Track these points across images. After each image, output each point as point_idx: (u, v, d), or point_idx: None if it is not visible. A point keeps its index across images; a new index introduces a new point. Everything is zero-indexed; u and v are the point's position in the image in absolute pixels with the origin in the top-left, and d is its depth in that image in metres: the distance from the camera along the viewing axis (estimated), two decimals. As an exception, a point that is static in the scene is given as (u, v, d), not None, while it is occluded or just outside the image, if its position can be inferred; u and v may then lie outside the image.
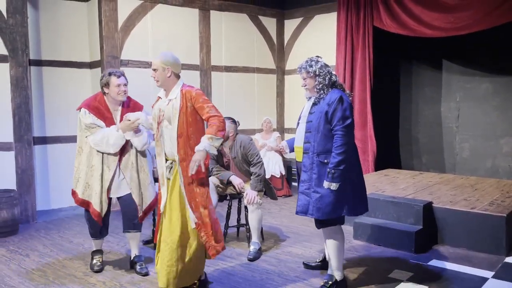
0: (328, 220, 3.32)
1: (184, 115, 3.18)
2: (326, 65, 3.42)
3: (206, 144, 3.08)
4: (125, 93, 3.72)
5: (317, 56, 3.47)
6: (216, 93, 7.01)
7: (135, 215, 3.78)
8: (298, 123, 3.55)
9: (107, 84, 3.69)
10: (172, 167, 3.27)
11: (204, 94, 3.30)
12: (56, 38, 6.04)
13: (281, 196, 6.71)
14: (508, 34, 6.09)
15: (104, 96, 3.76)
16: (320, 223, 3.39)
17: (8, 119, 5.26)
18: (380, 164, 6.78)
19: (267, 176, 5.98)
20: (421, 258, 4.11)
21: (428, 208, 4.49)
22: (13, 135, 5.28)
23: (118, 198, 3.82)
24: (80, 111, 3.72)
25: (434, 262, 4.01)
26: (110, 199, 3.78)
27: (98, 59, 6.08)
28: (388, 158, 7.12)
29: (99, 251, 3.98)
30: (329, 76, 3.36)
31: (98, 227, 3.81)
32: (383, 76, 7.04)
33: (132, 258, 3.91)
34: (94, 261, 3.93)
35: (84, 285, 3.60)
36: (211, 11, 6.90)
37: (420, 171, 6.92)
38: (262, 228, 4.49)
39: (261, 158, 4.41)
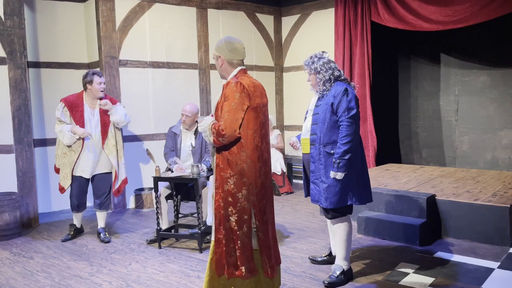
0: (337, 209, 3.37)
1: (219, 111, 2.81)
2: (330, 61, 3.44)
3: (208, 121, 2.80)
4: (104, 90, 4.69)
5: (322, 52, 3.49)
6: (215, 91, 7.00)
7: (102, 197, 4.76)
8: (306, 118, 3.56)
9: (90, 82, 4.59)
10: None
11: (239, 91, 2.75)
12: (54, 40, 6.01)
13: (283, 193, 6.72)
14: (505, 27, 6.12)
15: (84, 92, 4.68)
16: (329, 213, 3.44)
17: (8, 121, 5.22)
18: (380, 159, 6.80)
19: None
20: (426, 251, 4.12)
21: (431, 201, 4.51)
22: (13, 137, 5.24)
23: (92, 180, 4.75)
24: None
25: (439, 254, 4.02)
26: (87, 180, 4.73)
27: (96, 60, 6.06)
28: (388, 153, 7.13)
29: (73, 225, 4.89)
30: (330, 71, 3.39)
31: (75, 202, 4.75)
32: (382, 71, 7.06)
33: (98, 229, 4.82)
34: (67, 233, 4.90)
35: (90, 285, 3.58)
36: (209, 9, 6.90)
37: (420, 165, 6.94)
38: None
39: None
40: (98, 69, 4.72)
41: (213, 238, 2.90)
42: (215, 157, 2.89)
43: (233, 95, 2.75)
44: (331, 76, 3.38)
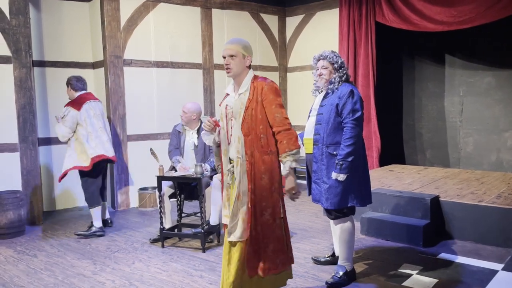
0: (340, 210, 3.37)
1: (253, 111, 2.81)
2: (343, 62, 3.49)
3: (290, 163, 2.84)
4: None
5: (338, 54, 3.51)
6: (219, 91, 7.01)
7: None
8: (309, 117, 3.56)
9: None
10: (233, 171, 2.88)
11: (277, 90, 2.87)
12: (59, 39, 6.04)
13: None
14: (510, 28, 6.09)
15: None
16: (332, 213, 3.44)
17: (12, 120, 5.25)
18: (384, 159, 6.78)
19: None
20: (430, 252, 4.11)
21: (435, 202, 4.49)
22: (18, 136, 5.27)
23: None
24: None
25: (443, 256, 4.01)
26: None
27: (101, 59, 6.08)
28: (392, 154, 7.11)
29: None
30: (345, 72, 3.44)
31: None
32: (386, 71, 7.04)
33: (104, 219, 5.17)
34: (75, 229, 5.21)
35: (93, 284, 3.60)
36: (213, 9, 6.90)
37: (424, 166, 6.92)
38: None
39: None
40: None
41: (239, 239, 2.84)
42: (243, 154, 2.83)
43: (275, 93, 2.86)
44: (342, 77, 3.41)
